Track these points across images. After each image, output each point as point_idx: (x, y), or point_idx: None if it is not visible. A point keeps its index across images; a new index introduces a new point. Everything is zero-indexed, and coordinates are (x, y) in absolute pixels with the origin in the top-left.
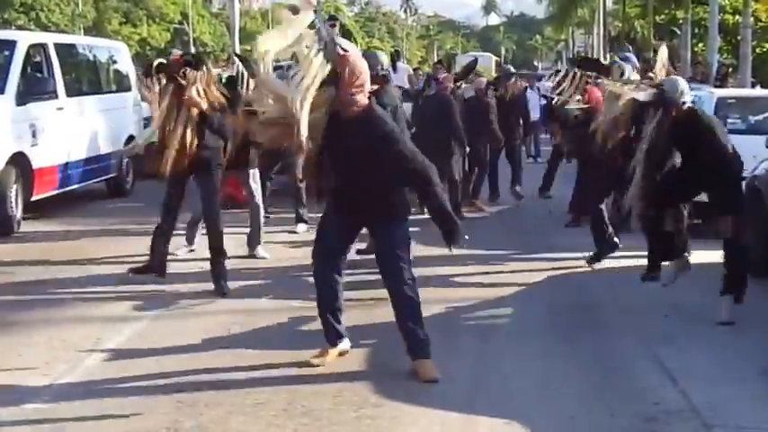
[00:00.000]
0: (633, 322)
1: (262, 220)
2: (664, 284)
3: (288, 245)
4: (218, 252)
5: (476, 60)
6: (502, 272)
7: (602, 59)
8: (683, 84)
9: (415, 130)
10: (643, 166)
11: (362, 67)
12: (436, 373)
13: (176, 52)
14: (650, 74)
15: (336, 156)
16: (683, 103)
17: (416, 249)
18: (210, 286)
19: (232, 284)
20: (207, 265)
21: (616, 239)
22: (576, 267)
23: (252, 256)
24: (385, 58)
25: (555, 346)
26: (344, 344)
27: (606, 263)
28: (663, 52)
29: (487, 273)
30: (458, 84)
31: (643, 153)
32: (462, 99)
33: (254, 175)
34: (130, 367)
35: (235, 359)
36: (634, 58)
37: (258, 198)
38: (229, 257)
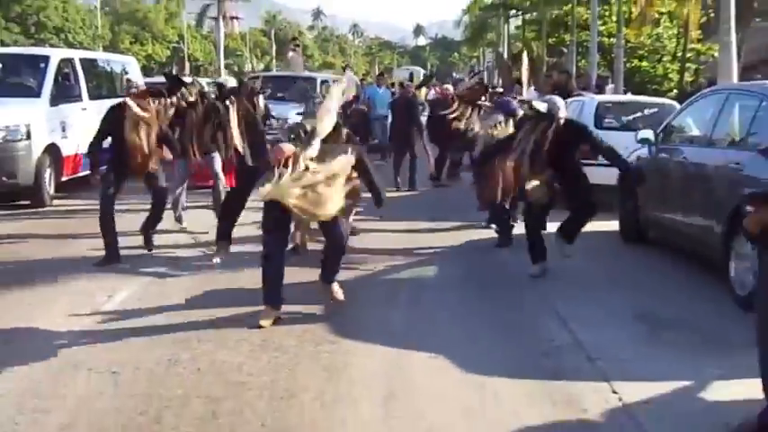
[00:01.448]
0: (535, 283)
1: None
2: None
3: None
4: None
5: (432, 74)
6: (429, 237)
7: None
8: (562, 102)
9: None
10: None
11: None
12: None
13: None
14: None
15: None
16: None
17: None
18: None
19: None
20: (198, 237)
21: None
22: (484, 236)
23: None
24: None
25: (472, 297)
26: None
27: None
28: (525, 61)
29: (417, 239)
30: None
31: (527, 155)
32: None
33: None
34: (138, 313)
35: (221, 308)
36: (512, 104)
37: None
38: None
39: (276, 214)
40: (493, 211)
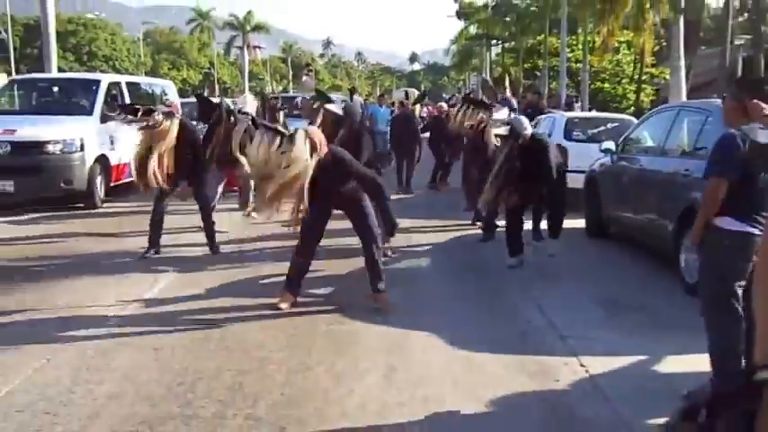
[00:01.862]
0: (514, 272)
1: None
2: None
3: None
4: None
5: (424, 94)
6: (423, 233)
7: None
8: (525, 121)
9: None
10: (501, 176)
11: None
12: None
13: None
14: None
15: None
16: (527, 133)
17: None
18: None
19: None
20: (227, 235)
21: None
22: (471, 232)
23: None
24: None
25: (458, 285)
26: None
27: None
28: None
29: (413, 234)
30: (413, 107)
31: (501, 167)
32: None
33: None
34: (175, 300)
35: (246, 295)
36: (512, 102)
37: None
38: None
39: (314, 210)
40: (478, 211)
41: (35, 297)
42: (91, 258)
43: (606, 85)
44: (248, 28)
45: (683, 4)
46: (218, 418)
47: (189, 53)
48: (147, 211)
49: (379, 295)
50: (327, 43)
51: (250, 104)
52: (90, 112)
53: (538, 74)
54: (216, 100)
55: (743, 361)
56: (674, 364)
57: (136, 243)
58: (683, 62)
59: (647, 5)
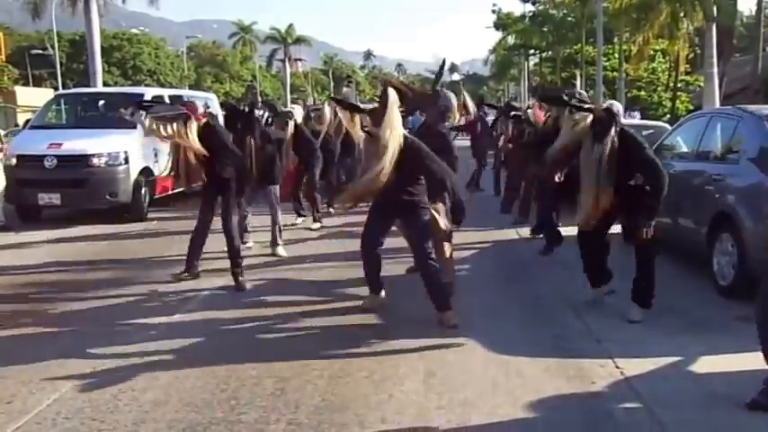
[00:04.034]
0: (550, 276)
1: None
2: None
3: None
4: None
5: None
6: (464, 241)
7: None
8: (619, 106)
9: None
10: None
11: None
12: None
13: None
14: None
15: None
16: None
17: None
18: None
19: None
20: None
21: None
22: (512, 239)
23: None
24: None
25: (499, 290)
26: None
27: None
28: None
29: (454, 242)
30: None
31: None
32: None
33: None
34: (216, 310)
35: (284, 305)
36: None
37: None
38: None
39: (378, 212)
40: (543, 219)
41: (81, 308)
42: (136, 269)
43: (642, 93)
44: (289, 41)
45: (715, 13)
46: (261, 424)
47: (231, 66)
48: (190, 223)
49: (444, 314)
50: (368, 55)
51: (298, 115)
52: (134, 126)
53: (575, 83)
54: (259, 112)
55: None
56: (708, 364)
57: (180, 253)
58: (716, 69)
59: (681, 14)
